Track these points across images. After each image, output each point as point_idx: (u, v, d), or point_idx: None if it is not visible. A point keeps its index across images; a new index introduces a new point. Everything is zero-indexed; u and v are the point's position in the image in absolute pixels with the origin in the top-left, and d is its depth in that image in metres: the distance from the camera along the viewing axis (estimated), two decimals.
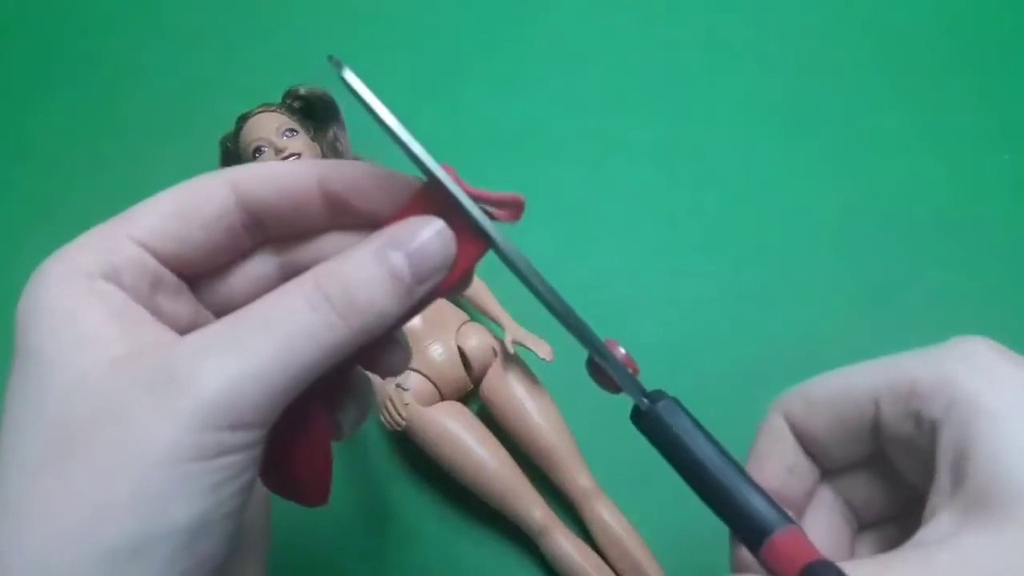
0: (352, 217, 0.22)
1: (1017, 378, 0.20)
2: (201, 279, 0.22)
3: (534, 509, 0.35)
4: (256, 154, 0.39)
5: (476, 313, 0.38)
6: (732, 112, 0.46)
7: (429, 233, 0.20)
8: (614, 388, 0.23)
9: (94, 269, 0.20)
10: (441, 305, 0.38)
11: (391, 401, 0.35)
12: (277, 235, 0.23)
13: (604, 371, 0.22)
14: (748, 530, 0.20)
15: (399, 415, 0.35)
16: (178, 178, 0.47)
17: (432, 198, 0.20)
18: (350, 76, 0.20)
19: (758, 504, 0.21)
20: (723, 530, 0.35)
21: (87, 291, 0.19)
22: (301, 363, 0.18)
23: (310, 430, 0.22)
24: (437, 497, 0.38)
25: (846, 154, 0.44)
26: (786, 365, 0.39)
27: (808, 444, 0.24)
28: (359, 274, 0.19)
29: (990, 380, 0.20)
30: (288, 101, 0.42)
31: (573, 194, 0.44)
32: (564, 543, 0.35)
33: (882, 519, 0.25)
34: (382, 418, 0.35)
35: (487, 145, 0.45)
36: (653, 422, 0.23)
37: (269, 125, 0.40)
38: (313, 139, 0.41)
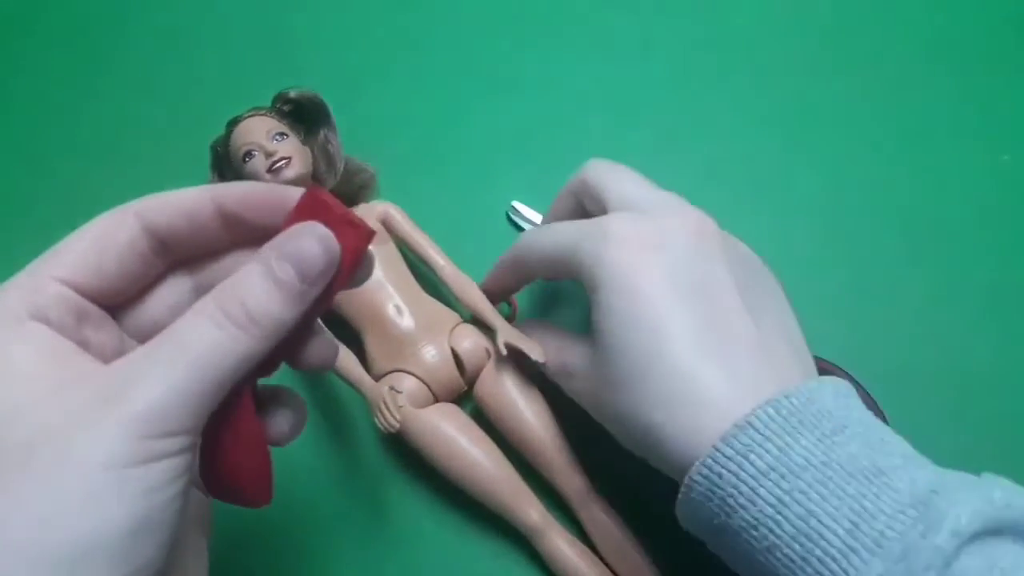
0: (249, 231, 0.25)
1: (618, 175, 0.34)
2: (123, 308, 0.25)
3: (530, 510, 0.35)
4: (246, 158, 0.39)
5: (469, 315, 0.38)
6: (731, 112, 0.46)
7: (310, 239, 0.22)
8: None
9: (20, 310, 0.22)
10: (434, 307, 0.38)
11: (385, 403, 0.35)
12: (185, 256, 0.25)
13: None
14: None
15: (393, 417, 0.35)
16: (168, 182, 0.47)
17: (312, 205, 0.23)
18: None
19: None
20: None
21: (17, 332, 0.21)
22: (215, 374, 0.21)
23: (240, 432, 0.23)
24: (432, 499, 0.38)
25: (844, 154, 0.44)
26: None
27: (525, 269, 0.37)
28: (251, 289, 0.22)
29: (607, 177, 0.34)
30: (278, 105, 0.42)
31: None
32: (561, 543, 0.35)
33: None
34: (376, 420, 0.35)
35: (485, 149, 0.45)
36: None
37: (259, 129, 0.40)
38: (304, 142, 0.41)
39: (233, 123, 0.41)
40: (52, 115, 0.47)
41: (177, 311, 0.23)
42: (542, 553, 0.35)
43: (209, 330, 0.21)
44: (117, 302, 0.24)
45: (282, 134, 0.40)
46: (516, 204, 0.41)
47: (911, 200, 0.43)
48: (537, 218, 0.43)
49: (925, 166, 0.44)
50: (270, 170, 0.39)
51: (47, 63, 0.49)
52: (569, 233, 0.32)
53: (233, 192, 0.24)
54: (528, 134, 0.45)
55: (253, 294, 0.21)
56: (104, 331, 0.24)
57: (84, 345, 0.23)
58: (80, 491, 0.19)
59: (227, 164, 0.41)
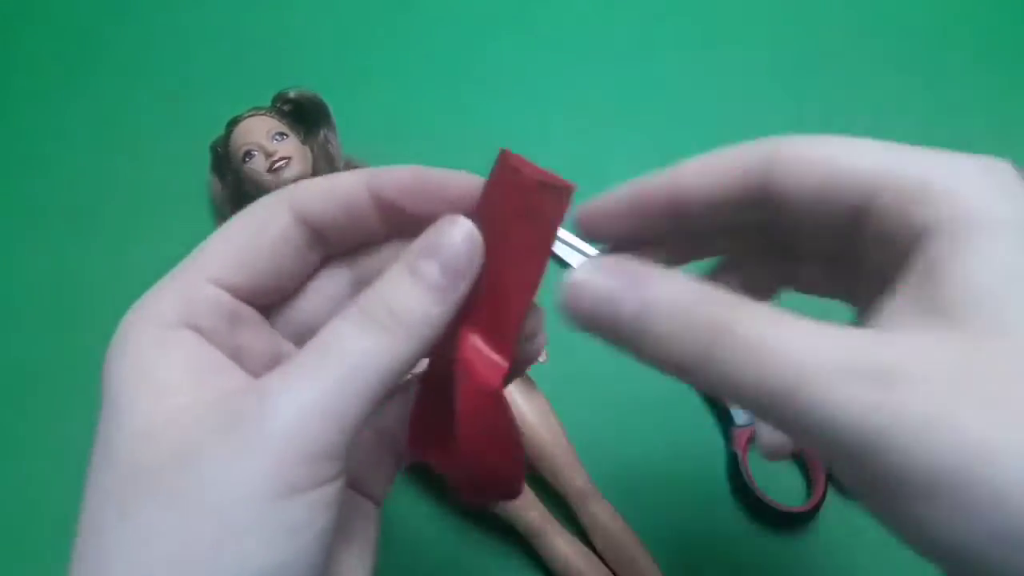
0: (408, 222, 0.22)
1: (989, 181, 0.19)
2: (277, 307, 0.23)
3: (530, 510, 0.35)
4: (246, 158, 0.39)
5: None
6: (731, 112, 0.46)
7: (450, 231, 0.20)
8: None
9: (172, 317, 0.20)
10: None
11: None
12: (342, 248, 0.23)
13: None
14: None
15: None
16: (168, 182, 0.47)
17: (503, 175, 0.21)
18: None
19: None
20: (721, 530, 0.36)
21: (163, 341, 0.20)
22: (366, 387, 0.19)
23: (499, 426, 0.21)
24: (433, 499, 0.38)
25: None
26: None
27: (774, 202, 0.21)
28: (393, 288, 0.20)
29: (1003, 202, 0.18)
30: (278, 104, 0.42)
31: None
32: (561, 544, 0.35)
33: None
34: None
35: (485, 149, 0.45)
36: None
37: (259, 129, 0.40)
38: (304, 142, 0.41)
39: (233, 123, 0.41)
40: (52, 115, 0.47)
41: (335, 307, 0.22)
42: (542, 553, 0.35)
43: (353, 336, 0.19)
44: (271, 300, 0.23)
45: (282, 134, 0.40)
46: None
47: None
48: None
49: None
50: (270, 170, 0.39)
51: (46, 64, 0.49)
52: (878, 154, 0.20)
53: (390, 178, 0.22)
54: (529, 134, 0.45)
55: (395, 293, 0.20)
56: (258, 335, 0.22)
57: (237, 352, 0.21)
58: (213, 528, 0.17)
59: (227, 164, 0.41)
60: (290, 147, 0.40)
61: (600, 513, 0.35)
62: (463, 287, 0.20)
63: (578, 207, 0.24)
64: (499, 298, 0.21)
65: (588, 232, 0.24)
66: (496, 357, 0.21)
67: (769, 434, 0.27)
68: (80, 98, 0.48)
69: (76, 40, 0.50)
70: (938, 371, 0.16)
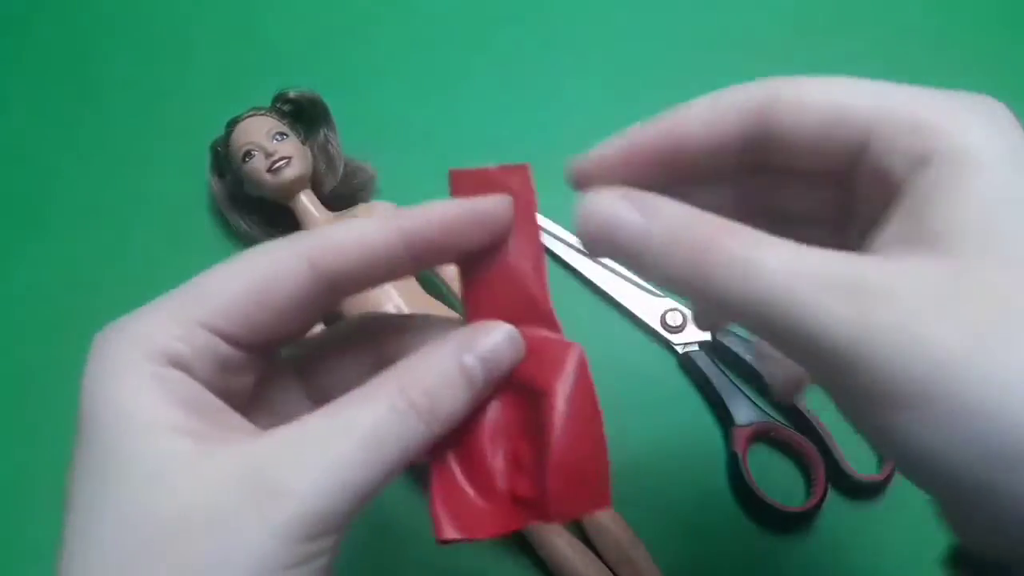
0: (445, 256, 0.22)
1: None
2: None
3: None
4: (246, 158, 0.39)
5: None
6: None
7: (502, 338, 0.21)
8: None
9: (162, 355, 0.19)
10: (434, 307, 0.38)
11: None
12: (354, 292, 0.22)
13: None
14: None
15: None
16: (168, 182, 0.47)
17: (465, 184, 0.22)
18: None
19: None
20: (721, 530, 0.36)
21: (155, 379, 0.19)
22: (387, 467, 0.19)
23: (590, 431, 0.21)
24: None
25: None
26: None
27: (774, 143, 0.22)
28: (440, 380, 0.20)
29: (995, 137, 0.19)
30: (278, 105, 0.42)
31: (574, 194, 0.43)
32: (562, 545, 0.35)
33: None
34: None
35: (485, 149, 0.45)
36: None
37: (259, 129, 0.40)
38: (303, 142, 0.41)
39: (233, 123, 0.41)
40: (51, 116, 0.47)
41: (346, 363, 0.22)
42: (542, 553, 0.35)
43: (389, 417, 0.19)
44: (268, 348, 0.22)
45: (282, 134, 0.40)
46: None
47: None
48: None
49: None
50: (270, 170, 0.39)
51: (46, 64, 0.49)
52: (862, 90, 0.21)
53: (428, 223, 0.21)
54: (529, 135, 0.45)
55: (441, 386, 0.20)
56: (246, 377, 0.22)
57: (224, 394, 0.20)
58: None
59: (227, 164, 0.41)
60: (290, 147, 0.40)
61: (600, 514, 0.35)
62: (494, 384, 0.21)
63: (571, 159, 0.24)
64: (522, 289, 0.22)
65: (581, 184, 0.23)
66: (554, 335, 0.22)
67: (774, 369, 0.27)
68: (80, 98, 0.48)
69: (76, 40, 0.50)
70: (916, 289, 0.17)
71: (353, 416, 0.19)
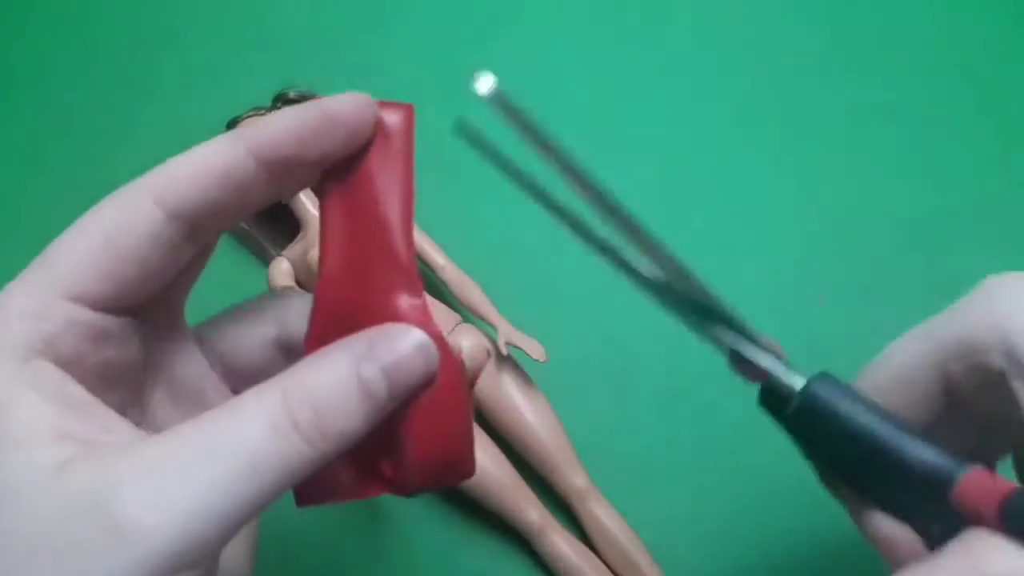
0: (301, 170, 0.20)
1: None
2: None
3: (530, 510, 0.35)
4: None
5: (469, 314, 0.38)
6: (730, 113, 0.46)
7: (408, 346, 0.18)
8: (759, 377, 0.22)
9: (24, 344, 0.17)
10: (434, 307, 0.38)
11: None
12: (222, 228, 0.20)
13: (747, 361, 0.22)
14: (929, 482, 0.20)
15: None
16: None
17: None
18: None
19: (934, 455, 0.20)
20: (719, 529, 0.35)
21: (16, 373, 0.17)
22: (261, 492, 0.16)
23: (452, 401, 0.19)
24: (432, 498, 0.38)
25: (845, 156, 0.44)
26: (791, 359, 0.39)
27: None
28: (331, 394, 0.17)
29: None
30: (278, 104, 0.42)
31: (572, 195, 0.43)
32: (561, 544, 0.35)
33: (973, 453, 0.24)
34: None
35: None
36: (809, 405, 0.22)
37: None
38: None
39: (232, 123, 0.41)
40: (51, 115, 0.47)
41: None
42: (542, 553, 0.35)
43: (267, 437, 0.16)
44: (142, 301, 0.20)
45: None
46: None
47: (911, 199, 0.43)
48: None
49: (924, 165, 0.44)
50: None
51: (46, 63, 0.49)
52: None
53: (275, 132, 0.19)
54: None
55: (331, 402, 0.17)
56: (129, 343, 0.20)
57: (105, 370, 0.19)
58: None
59: None
60: None
61: (600, 513, 0.35)
62: (396, 404, 0.18)
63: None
64: (384, 239, 0.20)
65: None
66: (414, 301, 0.20)
67: None
68: (80, 98, 0.48)
69: (76, 40, 0.50)
70: None
71: (226, 434, 0.17)
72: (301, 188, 0.20)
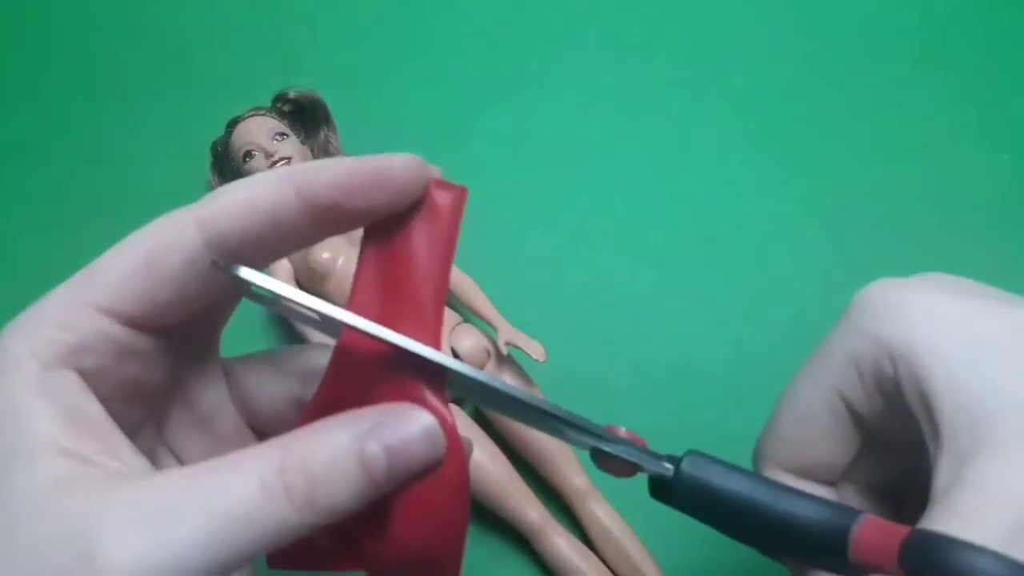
0: (346, 218, 0.20)
1: (931, 305, 0.20)
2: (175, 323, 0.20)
3: (530, 510, 0.35)
4: (246, 158, 0.39)
5: (469, 314, 0.38)
6: (731, 112, 0.46)
7: (415, 430, 0.18)
8: (628, 472, 0.22)
9: (50, 352, 0.18)
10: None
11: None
12: (256, 261, 0.20)
13: (613, 458, 0.21)
14: (823, 544, 0.19)
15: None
16: (168, 182, 0.47)
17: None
18: (246, 273, 0.18)
19: (822, 513, 0.19)
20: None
21: (38, 387, 0.17)
22: (237, 551, 0.16)
23: (447, 483, 0.18)
24: None
25: (844, 153, 0.44)
26: (790, 365, 0.39)
27: (809, 473, 0.23)
28: (329, 467, 0.17)
29: (911, 320, 0.20)
30: (278, 104, 0.42)
31: (572, 195, 0.44)
32: (562, 544, 0.35)
33: (902, 481, 0.24)
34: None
35: (484, 149, 0.45)
36: (688, 486, 0.21)
37: (259, 129, 0.40)
38: (304, 142, 0.41)
39: (233, 123, 0.41)
40: (51, 115, 0.47)
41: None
42: (542, 553, 0.35)
43: (255, 498, 0.16)
44: (173, 325, 0.20)
45: (282, 134, 0.40)
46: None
47: (911, 199, 0.43)
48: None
49: (925, 165, 0.44)
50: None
51: (46, 63, 0.49)
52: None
53: (325, 178, 0.19)
54: (529, 135, 0.45)
55: (327, 474, 0.17)
56: (155, 363, 0.20)
57: (126, 388, 0.19)
58: None
59: (227, 164, 0.41)
60: (290, 147, 0.40)
61: (600, 513, 0.35)
62: (397, 483, 0.18)
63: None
64: (415, 318, 0.19)
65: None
66: (433, 384, 0.19)
67: None
68: (80, 98, 0.48)
69: (76, 40, 0.50)
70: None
71: (216, 488, 0.16)
72: (342, 232, 0.20)
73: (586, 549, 0.35)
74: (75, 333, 0.18)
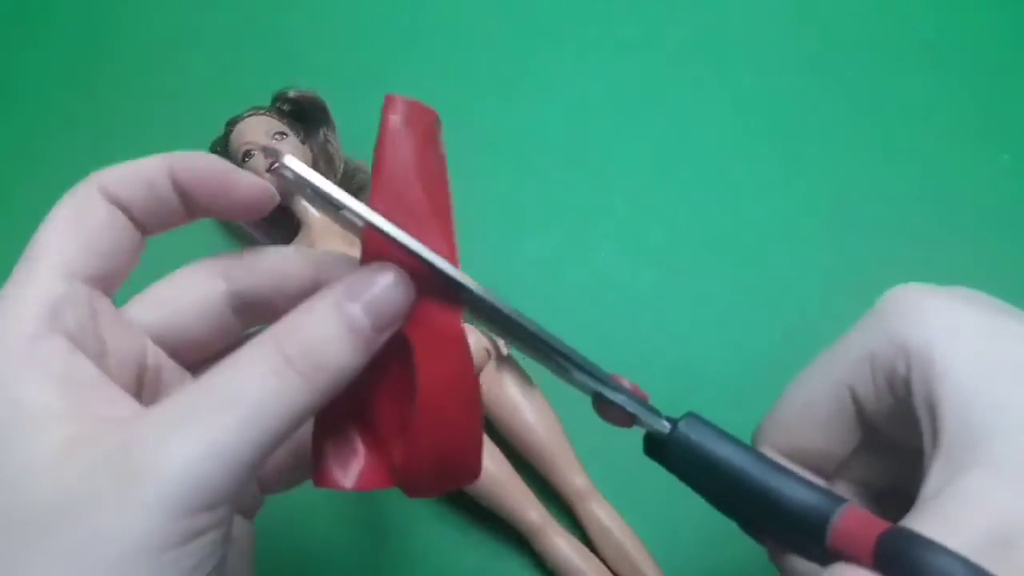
0: (199, 208, 0.23)
1: (957, 314, 0.21)
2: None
3: (530, 510, 0.35)
4: (246, 158, 0.39)
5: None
6: (731, 112, 0.46)
7: (385, 280, 0.20)
8: (625, 422, 0.22)
9: (35, 323, 0.18)
10: None
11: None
12: (160, 230, 0.22)
13: (613, 406, 0.22)
14: (804, 527, 0.20)
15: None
16: None
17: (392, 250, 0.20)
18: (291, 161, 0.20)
19: (807, 496, 0.20)
20: (719, 529, 0.35)
21: (31, 355, 0.18)
22: (268, 432, 0.18)
23: (463, 389, 0.20)
24: (432, 499, 0.38)
25: (845, 153, 0.44)
26: (790, 364, 0.39)
27: (804, 460, 0.24)
28: (318, 331, 0.19)
29: (934, 325, 0.20)
30: (278, 104, 0.42)
31: (572, 196, 0.44)
32: (562, 544, 0.35)
33: (897, 487, 0.24)
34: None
35: (484, 149, 0.45)
36: (681, 446, 0.21)
37: (259, 129, 0.40)
38: (303, 142, 0.41)
39: (232, 123, 0.41)
40: (51, 115, 0.47)
41: (202, 303, 0.22)
42: (542, 553, 0.35)
43: (265, 378, 0.18)
44: (114, 284, 0.22)
45: (282, 133, 0.40)
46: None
47: (911, 200, 0.43)
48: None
49: (925, 166, 0.44)
50: (270, 169, 0.39)
51: (46, 63, 0.49)
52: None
53: (188, 165, 0.22)
54: (529, 135, 0.45)
55: (323, 341, 0.19)
56: (118, 330, 0.21)
57: (103, 353, 0.20)
58: None
59: None
60: (289, 147, 0.40)
61: (600, 513, 0.35)
62: (386, 336, 0.20)
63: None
64: (430, 234, 0.21)
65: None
66: (444, 303, 0.21)
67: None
68: (80, 98, 0.48)
69: (76, 40, 0.50)
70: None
71: (226, 382, 0.18)
72: (214, 217, 0.23)
73: (586, 549, 0.35)
74: (51, 297, 0.19)
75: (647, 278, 0.42)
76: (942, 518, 0.18)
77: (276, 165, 0.20)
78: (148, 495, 0.16)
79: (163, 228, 0.22)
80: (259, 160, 0.39)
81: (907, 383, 0.21)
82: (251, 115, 0.41)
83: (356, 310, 0.19)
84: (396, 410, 0.21)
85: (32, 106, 0.48)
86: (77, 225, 0.21)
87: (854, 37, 0.48)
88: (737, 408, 0.37)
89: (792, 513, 0.20)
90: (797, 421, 0.23)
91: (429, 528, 0.37)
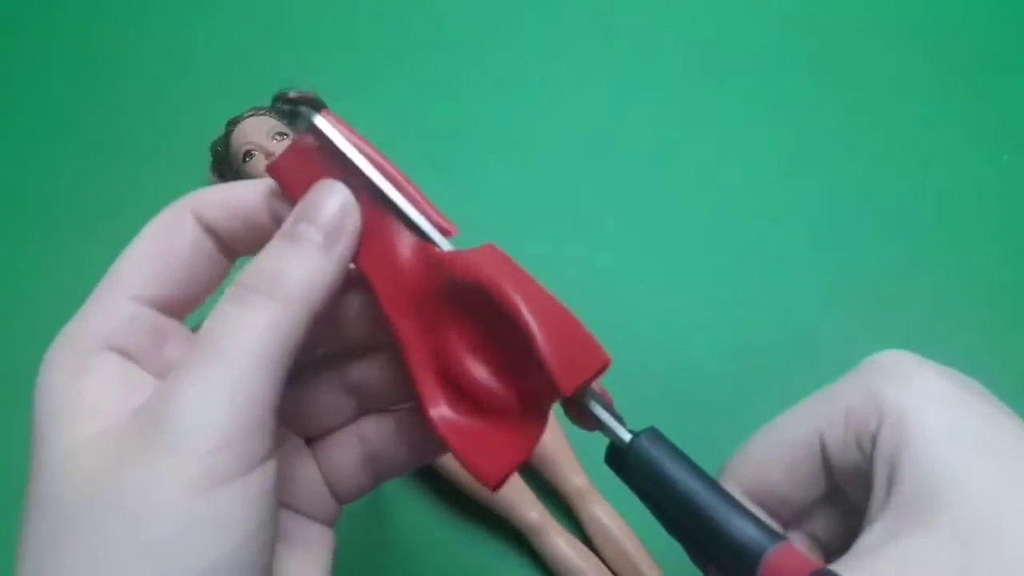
0: None
1: (937, 385, 0.21)
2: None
3: (530, 510, 0.35)
4: (246, 158, 0.39)
5: None
6: (731, 113, 0.46)
7: (316, 191, 0.21)
8: (591, 425, 0.22)
9: (93, 341, 0.20)
10: None
11: None
12: (247, 252, 0.23)
13: (579, 407, 0.22)
14: (739, 557, 0.20)
15: None
16: (168, 182, 0.47)
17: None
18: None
19: (748, 528, 0.20)
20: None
21: (85, 367, 0.19)
22: (265, 361, 0.18)
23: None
24: (432, 498, 0.38)
25: (844, 154, 0.44)
26: (786, 365, 0.39)
27: (764, 501, 0.24)
28: (276, 258, 0.20)
29: (913, 390, 0.21)
30: (278, 104, 0.42)
31: (572, 196, 0.44)
32: (561, 543, 0.35)
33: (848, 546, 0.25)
34: None
35: (484, 149, 0.45)
36: (639, 459, 0.21)
37: (259, 129, 0.40)
38: None
39: (233, 123, 0.41)
40: (53, 115, 0.47)
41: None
42: (542, 552, 0.35)
43: (240, 314, 0.19)
44: (192, 308, 0.22)
45: (282, 134, 0.40)
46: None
47: (911, 200, 0.43)
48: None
49: (925, 166, 0.44)
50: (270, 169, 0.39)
51: (48, 63, 0.49)
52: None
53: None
54: (528, 135, 0.45)
55: (275, 261, 0.20)
56: (186, 347, 0.21)
57: (166, 369, 0.20)
58: (137, 539, 0.17)
59: (227, 164, 0.41)
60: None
61: (600, 513, 0.35)
62: (344, 242, 0.21)
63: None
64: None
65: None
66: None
67: None
68: (80, 98, 0.48)
69: (76, 41, 0.50)
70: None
71: (212, 332, 0.19)
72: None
73: (586, 549, 0.35)
74: (112, 320, 0.20)
75: (646, 278, 0.42)
76: (879, 570, 0.18)
77: (308, 126, 0.22)
78: (170, 441, 0.17)
79: (254, 252, 0.22)
80: (260, 160, 0.39)
81: (874, 438, 0.21)
82: (251, 115, 0.41)
83: (306, 228, 0.20)
84: (509, 360, 0.21)
85: (31, 107, 0.48)
86: (159, 249, 0.21)
87: (854, 38, 0.48)
88: (736, 408, 0.38)
89: (732, 543, 0.20)
90: (766, 460, 0.24)
91: (429, 528, 0.37)
